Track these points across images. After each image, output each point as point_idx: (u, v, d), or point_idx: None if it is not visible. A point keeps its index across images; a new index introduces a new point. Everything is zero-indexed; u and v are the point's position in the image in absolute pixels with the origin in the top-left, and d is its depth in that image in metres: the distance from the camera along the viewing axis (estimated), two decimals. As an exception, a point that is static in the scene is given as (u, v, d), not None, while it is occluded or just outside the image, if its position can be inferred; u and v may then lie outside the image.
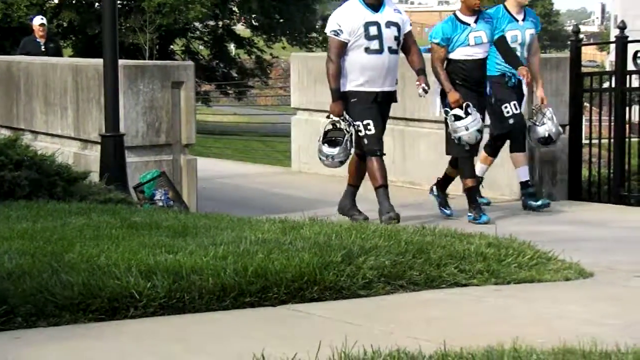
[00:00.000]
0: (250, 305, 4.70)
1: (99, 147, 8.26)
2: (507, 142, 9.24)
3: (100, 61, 8.40)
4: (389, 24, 8.30)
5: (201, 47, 40.53)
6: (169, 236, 5.63)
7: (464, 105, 8.39)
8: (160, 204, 8.04)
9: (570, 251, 5.86)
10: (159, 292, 4.57)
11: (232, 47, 40.93)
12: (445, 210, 8.76)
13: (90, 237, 5.53)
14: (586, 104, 11.26)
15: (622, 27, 10.24)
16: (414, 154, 10.90)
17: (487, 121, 8.89)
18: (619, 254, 6.47)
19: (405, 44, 8.41)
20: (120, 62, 8.33)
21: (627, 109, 10.14)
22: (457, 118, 8.39)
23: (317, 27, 38.48)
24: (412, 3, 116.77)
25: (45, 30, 14.00)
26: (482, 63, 8.65)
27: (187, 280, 4.67)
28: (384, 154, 8.33)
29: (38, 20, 13.97)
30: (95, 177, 8.00)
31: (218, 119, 33.68)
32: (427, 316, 4.54)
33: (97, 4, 32.45)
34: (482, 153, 9.24)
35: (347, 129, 8.20)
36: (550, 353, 3.37)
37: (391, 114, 11.51)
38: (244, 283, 4.74)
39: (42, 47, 13.68)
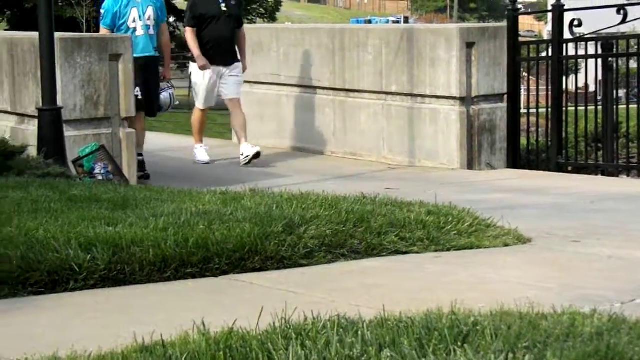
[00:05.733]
0: (191, 276, 4.70)
1: (36, 121, 8.15)
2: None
3: (36, 34, 8.27)
4: None
5: (140, 20, 40.06)
6: (109, 209, 5.59)
7: None
8: (100, 177, 7.97)
9: (509, 218, 5.93)
10: (99, 264, 4.55)
11: (171, 20, 40.55)
12: None
13: (28, 210, 5.47)
14: (524, 74, 11.36)
15: (559, -5, 10.35)
16: (355, 125, 10.93)
17: None
18: (556, 220, 6.57)
19: None
20: (57, 34, 8.21)
21: (564, 77, 10.26)
22: None
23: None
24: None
25: None
26: None
27: (128, 252, 4.65)
28: None
29: None
30: (33, 151, 7.91)
31: (158, 93, 33.30)
32: (368, 283, 4.57)
33: (32, -23, 31.88)
34: None
35: None
36: (488, 316, 3.42)
37: (331, 84, 11.55)
38: (185, 254, 4.74)
39: (223, 4, 10.64)
